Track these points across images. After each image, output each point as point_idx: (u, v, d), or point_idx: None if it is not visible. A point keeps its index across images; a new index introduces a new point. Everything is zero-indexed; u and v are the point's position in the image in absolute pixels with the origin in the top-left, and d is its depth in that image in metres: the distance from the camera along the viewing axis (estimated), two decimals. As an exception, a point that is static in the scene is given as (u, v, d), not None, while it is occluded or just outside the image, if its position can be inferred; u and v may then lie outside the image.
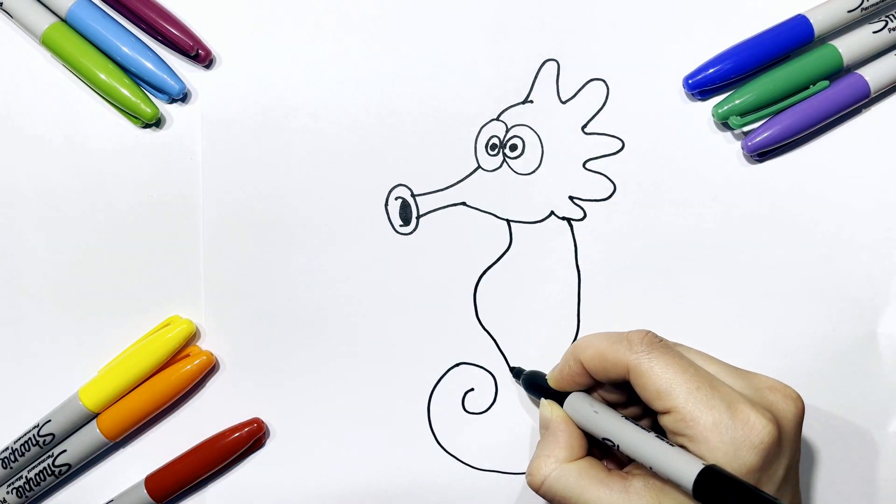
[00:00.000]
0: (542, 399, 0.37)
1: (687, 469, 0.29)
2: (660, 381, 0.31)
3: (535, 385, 0.38)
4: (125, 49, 0.39)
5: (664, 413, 0.31)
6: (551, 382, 0.37)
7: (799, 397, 0.32)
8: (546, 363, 0.40)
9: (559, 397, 0.36)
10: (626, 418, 0.33)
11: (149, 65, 0.39)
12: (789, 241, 0.39)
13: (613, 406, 0.35)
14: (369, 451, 0.40)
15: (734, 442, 0.30)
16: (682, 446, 0.31)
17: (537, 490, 0.34)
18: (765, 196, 0.39)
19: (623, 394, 0.35)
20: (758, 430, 0.30)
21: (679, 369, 0.31)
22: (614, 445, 0.33)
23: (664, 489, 0.31)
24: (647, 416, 0.35)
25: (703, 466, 0.29)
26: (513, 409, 0.40)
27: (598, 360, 0.33)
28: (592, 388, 0.36)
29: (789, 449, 0.31)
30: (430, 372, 0.40)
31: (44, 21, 0.39)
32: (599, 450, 0.36)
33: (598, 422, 0.33)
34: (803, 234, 0.39)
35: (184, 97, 0.40)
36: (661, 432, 0.32)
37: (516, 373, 0.39)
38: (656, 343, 0.32)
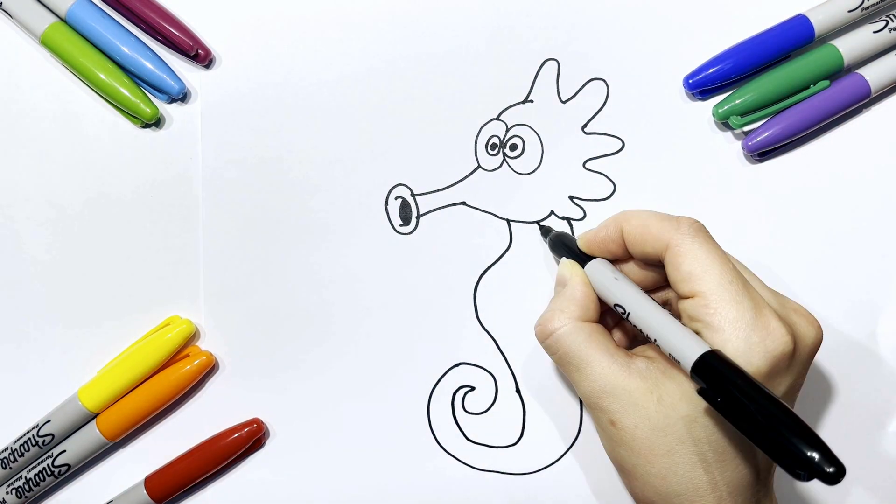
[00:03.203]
0: (564, 258, 0.36)
1: (692, 349, 0.29)
2: (695, 263, 0.31)
3: (560, 244, 0.37)
4: (125, 49, 0.39)
5: (688, 297, 0.31)
6: (581, 243, 0.36)
7: (820, 328, 0.32)
8: (546, 363, 0.40)
9: (581, 263, 0.35)
10: (645, 292, 0.33)
11: (149, 65, 0.39)
12: (789, 241, 0.39)
13: None
14: (369, 451, 0.40)
15: (748, 341, 0.30)
16: (695, 331, 0.31)
17: (544, 341, 0.34)
18: (765, 196, 0.39)
19: (647, 276, 0.35)
20: (775, 338, 0.30)
21: (718, 260, 0.31)
22: (625, 313, 0.32)
23: (664, 375, 0.31)
24: (666, 307, 0.35)
25: (708, 349, 0.29)
26: (513, 409, 0.40)
27: (641, 230, 0.33)
28: (618, 262, 0.35)
29: (797, 371, 0.31)
30: (430, 372, 0.40)
31: (44, 21, 0.39)
32: (609, 327, 0.36)
33: (615, 288, 0.33)
34: (803, 234, 0.39)
35: (184, 97, 0.40)
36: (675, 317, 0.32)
37: (545, 231, 0.39)
38: (703, 231, 0.32)
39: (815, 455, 0.25)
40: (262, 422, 0.40)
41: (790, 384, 0.31)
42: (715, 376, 0.28)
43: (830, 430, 0.39)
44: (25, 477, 0.40)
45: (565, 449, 0.40)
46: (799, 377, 0.32)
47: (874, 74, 0.38)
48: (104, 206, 0.41)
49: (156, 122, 0.40)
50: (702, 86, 0.39)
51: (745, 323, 0.30)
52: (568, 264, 0.36)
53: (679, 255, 0.31)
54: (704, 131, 0.40)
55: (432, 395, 0.40)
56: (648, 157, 0.40)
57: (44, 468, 0.40)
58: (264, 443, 0.41)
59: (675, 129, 0.40)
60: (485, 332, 0.40)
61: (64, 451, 0.40)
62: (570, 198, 0.40)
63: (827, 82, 0.38)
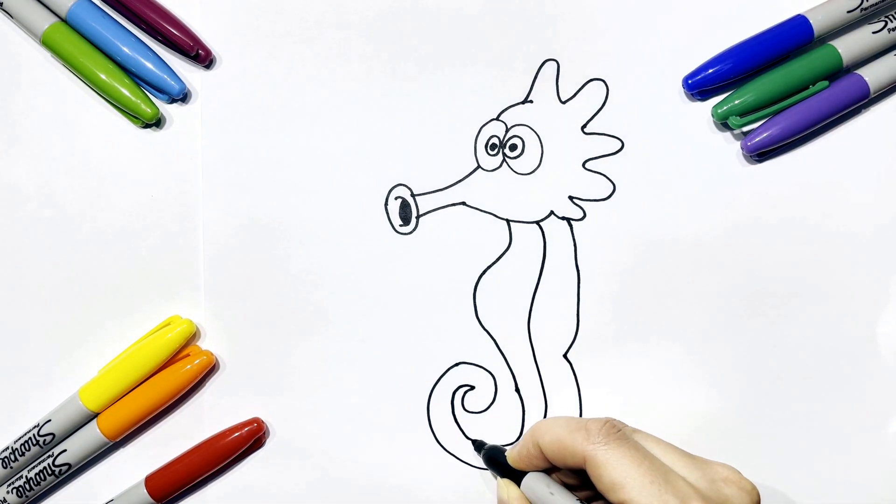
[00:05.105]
0: (499, 479, 0.36)
1: None
2: (615, 473, 0.31)
3: (494, 461, 0.37)
4: (125, 49, 0.39)
5: None
6: (510, 461, 0.36)
7: (754, 489, 0.32)
8: (546, 363, 0.40)
9: (520, 475, 0.36)
10: (581, 502, 0.33)
11: (149, 65, 0.39)
12: (789, 240, 0.39)
13: (571, 488, 0.35)
14: (369, 451, 0.40)
15: None
16: None
17: None
18: (765, 196, 0.39)
19: (580, 478, 0.35)
20: None
21: (635, 462, 0.31)
22: None
23: None
24: (604, 500, 0.35)
25: None
26: (512, 409, 0.40)
27: (557, 446, 0.33)
28: (552, 468, 0.35)
29: None
30: (430, 372, 0.40)
31: (44, 21, 0.40)
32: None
33: None
34: (803, 233, 0.39)
35: (184, 97, 0.40)
36: None
37: (477, 446, 0.39)
38: (614, 434, 0.32)
39: None
40: (263, 422, 0.40)
41: None
42: None
43: (831, 431, 0.39)
44: (26, 476, 0.41)
45: (565, 449, 0.40)
46: None
47: (873, 75, 0.38)
48: (104, 206, 0.41)
49: (156, 122, 0.40)
50: (701, 86, 0.39)
51: None
52: (504, 485, 0.36)
53: (597, 466, 0.32)
54: (704, 131, 0.40)
55: (432, 394, 0.40)
56: (648, 158, 0.40)
57: (44, 467, 0.40)
58: (264, 443, 0.41)
59: (675, 130, 0.40)
60: (485, 332, 0.40)
61: (64, 450, 0.40)
62: (570, 198, 0.40)
63: (826, 83, 0.38)
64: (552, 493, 0.34)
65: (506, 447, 0.38)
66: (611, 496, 0.32)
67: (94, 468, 0.41)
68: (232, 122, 0.40)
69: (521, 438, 0.36)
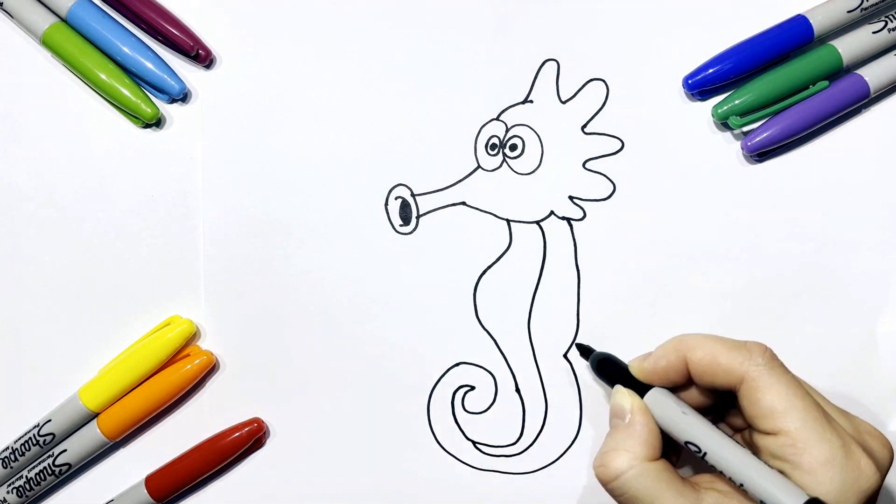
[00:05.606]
0: (619, 386, 0.34)
1: (790, 498, 0.28)
2: (777, 399, 0.30)
3: (607, 369, 0.35)
4: (125, 49, 0.39)
5: (770, 433, 0.30)
6: (638, 372, 0.34)
7: (892, 447, 0.31)
8: (546, 363, 0.40)
9: (636, 389, 0.33)
10: (717, 426, 0.31)
11: (149, 65, 0.39)
12: (789, 241, 0.39)
13: None
14: (369, 451, 0.40)
15: (844, 483, 0.29)
16: (780, 471, 0.29)
17: (607, 484, 0.32)
18: (765, 196, 0.39)
19: (704, 401, 0.33)
20: (867, 477, 0.29)
21: (799, 395, 0.30)
22: (700, 452, 0.31)
23: None
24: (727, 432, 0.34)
25: (808, 498, 0.28)
26: (513, 409, 0.40)
27: (709, 362, 0.31)
28: (675, 388, 0.34)
29: (876, 495, 0.30)
30: (430, 372, 0.40)
31: (44, 21, 0.40)
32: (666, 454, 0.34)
33: (685, 425, 0.31)
34: (803, 234, 0.39)
35: (184, 97, 0.40)
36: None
37: (584, 351, 0.37)
38: (777, 360, 0.31)
39: None
40: (263, 422, 0.40)
41: None
42: None
43: (830, 430, 0.39)
44: (26, 476, 0.41)
45: (565, 448, 0.40)
46: (875, 499, 0.31)
47: (873, 75, 0.38)
48: (104, 206, 0.41)
49: (156, 122, 0.40)
50: (701, 86, 0.39)
51: (837, 464, 0.29)
52: (626, 395, 0.33)
53: (757, 389, 0.30)
54: (704, 131, 0.40)
55: (432, 394, 0.40)
56: (648, 158, 0.40)
57: (44, 467, 0.40)
58: (264, 443, 0.41)
59: (675, 130, 0.40)
60: (485, 332, 0.40)
61: (65, 450, 0.40)
62: (570, 198, 0.40)
63: (826, 82, 0.38)
64: (684, 413, 0.31)
65: (618, 357, 0.36)
66: (764, 422, 0.30)
67: (94, 468, 0.41)
68: (232, 122, 0.40)
69: (656, 350, 0.33)
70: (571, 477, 0.40)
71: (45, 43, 0.40)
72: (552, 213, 0.40)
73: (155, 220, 0.41)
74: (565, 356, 0.40)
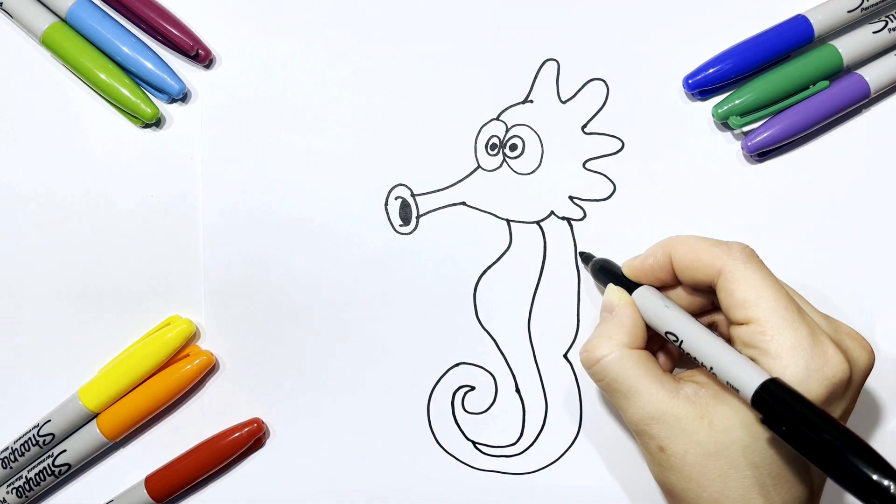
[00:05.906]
0: (611, 284, 0.36)
1: (751, 377, 0.29)
2: (749, 289, 0.31)
3: (605, 271, 0.37)
4: (125, 49, 0.39)
5: (742, 324, 0.31)
6: (627, 270, 0.36)
7: (872, 351, 0.32)
8: (546, 363, 0.40)
9: (628, 289, 0.35)
10: (695, 319, 0.33)
11: (149, 65, 0.39)
12: (788, 241, 0.39)
13: None
14: (369, 451, 0.40)
15: (807, 368, 0.29)
16: (751, 358, 0.30)
17: (590, 367, 0.34)
18: (765, 196, 0.39)
19: (692, 301, 0.35)
20: (833, 365, 0.30)
21: (771, 286, 0.31)
22: (677, 341, 0.32)
23: (715, 400, 0.31)
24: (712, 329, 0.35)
25: (769, 377, 0.29)
26: (513, 409, 0.40)
27: (691, 257, 0.33)
28: (664, 289, 0.35)
29: (850, 396, 0.31)
30: (430, 372, 0.40)
31: (44, 21, 0.40)
32: (653, 351, 0.36)
33: (666, 316, 0.33)
34: (803, 233, 0.39)
35: (184, 97, 0.40)
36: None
37: (585, 258, 0.39)
38: (755, 256, 0.32)
39: (891, 484, 0.25)
40: (262, 422, 0.40)
41: (844, 409, 0.31)
42: (778, 404, 0.28)
43: (830, 430, 0.39)
44: (26, 476, 0.41)
45: (565, 449, 0.40)
46: (852, 402, 0.32)
47: (873, 75, 0.38)
48: (104, 207, 0.41)
49: (156, 122, 0.40)
50: (701, 86, 0.39)
51: (803, 350, 0.30)
52: (615, 290, 0.35)
53: (732, 281, 0.31)
54: (704, 131, 0.40)
55: (432, 394, 0.40)
56: (648, 158, 0.40)
57: (44, 468, 0.40)
58: (264, 443, 0.41)
59: (675, 130, 0.40)
60: (485, 332, 0.40)
61: (64, 450, 0.40)
62: (570, 198, 0.40)
63: (826, 82, 0.38)
64: (666, 307, 0.33)
65: (617, 263, 0.37)
66: (737, 312, 0.31)
67: (94, 468, 0.41)
68: (232, 122, 0.40)
69: (646, 251, 0.35)
70: (571, 477, 0.40)
71: (45, 43, 0.40)
72: (552, 213, 0.40)
73: (155, 220, 0.41)
74: (565, 356, 0.40)
